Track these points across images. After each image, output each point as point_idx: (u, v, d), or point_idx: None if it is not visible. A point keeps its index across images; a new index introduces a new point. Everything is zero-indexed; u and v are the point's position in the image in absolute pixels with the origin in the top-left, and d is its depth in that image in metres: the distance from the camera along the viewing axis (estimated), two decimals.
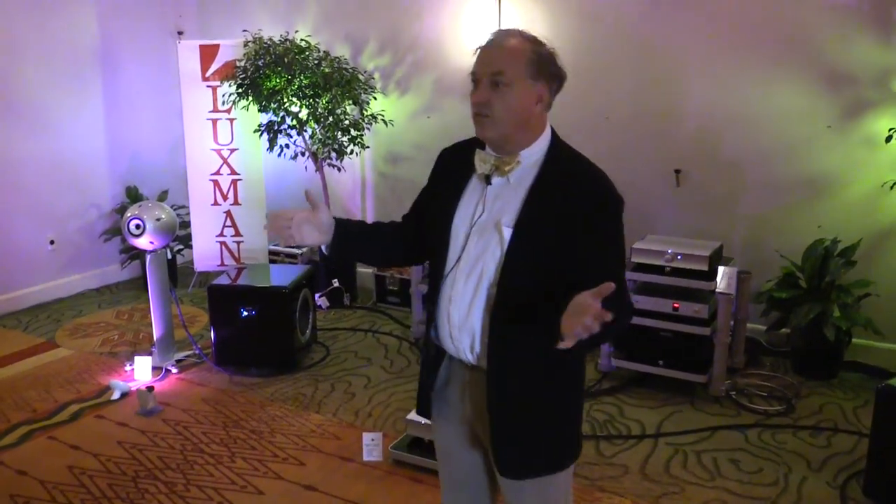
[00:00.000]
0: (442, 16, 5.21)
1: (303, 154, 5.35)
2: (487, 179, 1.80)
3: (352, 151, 5.30)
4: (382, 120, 5.28)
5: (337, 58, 5.22)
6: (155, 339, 4.38)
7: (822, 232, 4.22)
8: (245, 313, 4.25)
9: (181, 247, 5.85)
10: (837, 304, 3.93)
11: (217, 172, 5.72)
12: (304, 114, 5.17)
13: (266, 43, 5.11)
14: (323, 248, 1.93)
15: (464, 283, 1.79)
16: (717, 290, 3.88)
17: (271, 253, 5.84)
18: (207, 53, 5.58)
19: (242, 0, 6.05)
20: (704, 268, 3.83)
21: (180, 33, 6.24)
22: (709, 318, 3.87)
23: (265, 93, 5.01)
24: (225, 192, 5.75)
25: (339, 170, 5.44)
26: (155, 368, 4.28)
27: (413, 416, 3.31)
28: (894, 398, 2.89)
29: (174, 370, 4.31)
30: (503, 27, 4.85)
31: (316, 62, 5.12)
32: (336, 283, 5.42)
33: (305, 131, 5.22)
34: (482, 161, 1.80)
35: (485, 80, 1.74)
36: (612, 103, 4.71)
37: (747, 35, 4.31)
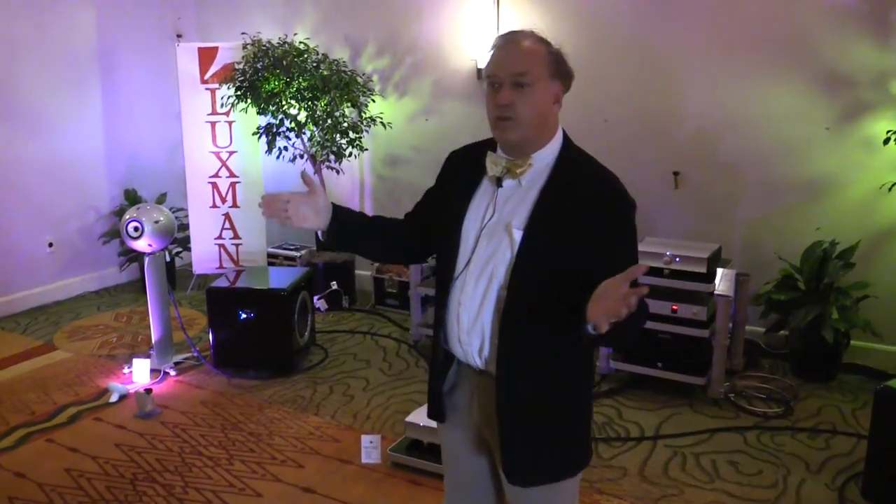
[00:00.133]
0: (440, 18, 5.22)
1: (301, 156, 5.35)
2: (498, 182, 1.78)
3: (350, 154, 5.30)
4: (381, 122, 5.28)
5: (335, 60, 5.23)
6: (153, 341, 4.38)
7: (821, 234, 4.22)
8: (243, 316, 4.25)
9: (180, 249, 5.85)
10: (836, 306, 3.93)
11: (216, 175, 5.72)
12: (302, 116, 5.17)
13: (265, 45, 5.12)
14: (319, 233, 1.91)
15: (474, 285, 1.78)
16: (716, 292, 3.88)
17: (270, 255, 5.85)
18: (206, 56, 5.58)
19: (241, 3, 6.06)
20: (703, 270, 3.84)
21: (179, 36, 6.24)
22: (707, 320, 3.87)
23: (264, 95, 5.01)
24: (223, 194, 5.75)
25: (337, 172, 5.45)
26: (153, 371, 4.28)
27: (412, 418, 3.31)
28: (893, 400, 2.89)
29: (172, 373, 4.31)
30: (502, 29, 4.90)
31: (314, 65, 5.12)
32: (335, 285, 5.42)
33: (304, 134, 5.23)
34: (493, 163, 1.79)
35: (507, 82, 1.71)
36: (611, 105, 4.72)
37: (746, 37, 4.32)
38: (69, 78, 5.62)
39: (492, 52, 1.77)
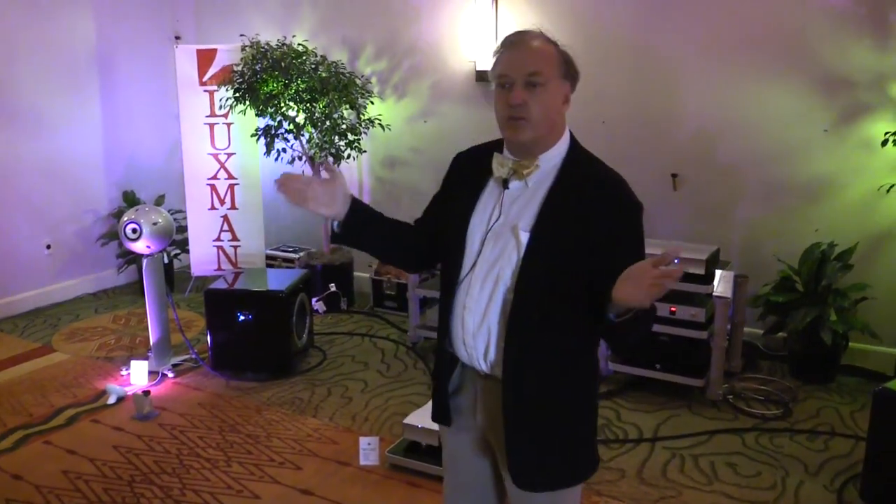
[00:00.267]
0: (439, 20, 5.22)
1: (300, 158, 5.35)
2: (505, 183, 1.78)
3: (349, 156, 5.30)
4: (379, 124, 5.28)
5: (334, 62, 5.23)
6: (151, 343, 4.37)
7: (819, 235, 4.22)
8: (242, 317, 4.25)
9: (178, 251, 5.85)
10: (834, 308, 3.93)
11: (214, 177, 5.71)
12: (301, 118, 5.17)
13: (263, 47, 5.11)
14: (335, 224, 1.89)
15: (479, 288, 1.77)
16: (714, 293, 3.88)
17: (268, 257, 5.84)
18: (204, 58, 5.58)
19: (240, 5, 6.06)
20: (701, 271, 3.83)
21: (178, 38, 6.24)
22: (706, 321, 3.87)
23: (262, 97, 5.01)
24: (222, 196, 5.74)
25: None
26: (151, 373, 4.27)
27: (410, 420, 3.30)
28: (891, 402, 2.89)
29: (170, 374, 4.31)
30: (500, 30, 4.90)
31: (313, 66, 5.12)
32: (333, 287, 5.41)
33: (302, 135, 5.23)
34: (500, 165, 1.78)
35: (519, 82, 1.70)
36: (609, 107, 4.71)
37: (744, 39, 4.32)
38: (68, 80, 5.61)
39: (501, 52, 1.76)
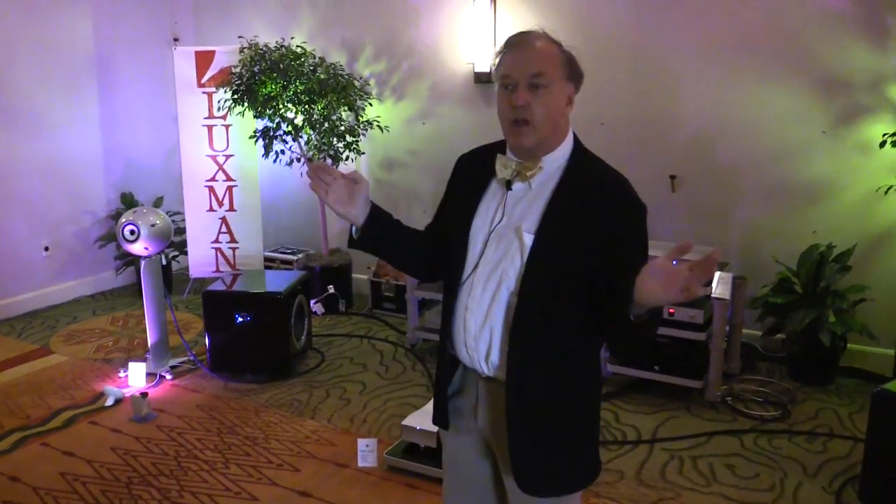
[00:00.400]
0: (437, 22, 5.22)
1: (298, 160, 5.35)
2: (508, 185, 1.76)
3: (347, 157, 5.30)
4: (378, 126, 5.28)
5: (332, 64, 5.23)
6: (149, 345, 4.37)
7: (817, 237, 4.22)
8: (240, 319, 4.24)
9: (176, 253, 5.84)
10: (833, 310, 3.93)
11: (212, 179, 5.71)
12: (299, 120, 5.17)
13: (261, 49, 5.11)
14: (353, 229, 1.86)
15: (481, 290, 1.76)
16: (713, 295, 3.88)
17: (267, 259, 5.84)
18: (203, 60, 5.58)
19: (238, 7, 6.06)
20: None
21: (176, 40, 6.24)
22: (704, 323, 3.87)
23: (261, 99, 5.01)
24: (220, 198, 5.74)
25: None
26: (149, 375, 4.26)
27: (408, 421, 3.30)
28: (889, 403, 2.89)
29: (168, 376, 4.30)
30: (499, 32, 4.90)
31: (311, 68, 5.12)
32: (331, 289, 5.41)
33: (301, 137, 5.22)
34: (503, 166, 1.76)
35: (522, 83, 1.68)
36: (607, 108, 4.71)
37: (743, 40, 4.32)
38: (67, 81, 5.61)
39: (504, 52, 1.74)
